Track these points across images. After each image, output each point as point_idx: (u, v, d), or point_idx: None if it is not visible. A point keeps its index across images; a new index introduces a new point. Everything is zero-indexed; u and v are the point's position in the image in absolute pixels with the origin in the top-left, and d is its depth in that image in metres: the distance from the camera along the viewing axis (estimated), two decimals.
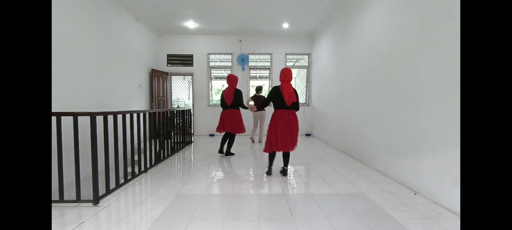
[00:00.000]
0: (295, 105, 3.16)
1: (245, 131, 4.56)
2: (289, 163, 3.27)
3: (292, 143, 3.11)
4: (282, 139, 3.03)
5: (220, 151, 4.54)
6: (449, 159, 2.18)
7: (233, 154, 4.56)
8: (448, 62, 2.19)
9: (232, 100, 4.25)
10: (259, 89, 5.61)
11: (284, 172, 3.20)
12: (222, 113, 4.39)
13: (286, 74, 3.26)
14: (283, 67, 7.33)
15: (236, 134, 4.55)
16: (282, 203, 2.37)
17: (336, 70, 5.17)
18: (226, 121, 4.30)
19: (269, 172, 3.27)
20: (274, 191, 2.69)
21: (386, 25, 3.25)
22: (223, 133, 4.53)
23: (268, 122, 3.27)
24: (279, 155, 3.46)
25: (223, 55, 7.42)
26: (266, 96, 4.76)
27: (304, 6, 5.13)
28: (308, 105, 7.35)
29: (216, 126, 4.46)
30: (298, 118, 3.20)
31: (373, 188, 2.76)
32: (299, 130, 3.28)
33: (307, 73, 7.42)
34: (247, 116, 5.81)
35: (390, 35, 3.14)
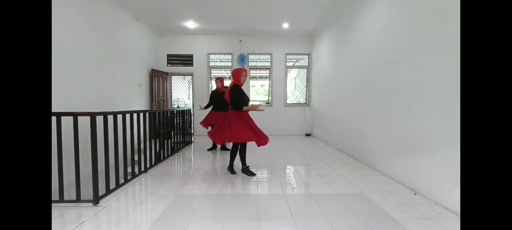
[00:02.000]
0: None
1: None
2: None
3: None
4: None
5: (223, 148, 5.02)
6: (449, 159, 2.18)
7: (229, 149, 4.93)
8: (448, 62, 2.19)
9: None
10: None
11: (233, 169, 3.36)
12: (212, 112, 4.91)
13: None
14: (283, 67, 7.35)
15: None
16: (282, 203, 2.37)
17: (336, 70, 5.17)
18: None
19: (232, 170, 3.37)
20: (274, 191, 2.69)
21: (386, 25, 3.25)
22: None
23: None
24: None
25: (223, 55, 7.42)
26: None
27: (304, 6, 5.13)
28: (308, 105, 7.35)
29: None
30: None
31: (373, 188, 2.76)
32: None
33: (307, 73, 7.42)
34: None
35: (390, 35, 3.14)
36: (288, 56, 7.41)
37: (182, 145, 5.24)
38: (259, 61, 7.47)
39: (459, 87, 2.02)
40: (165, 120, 4.41)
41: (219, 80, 4.85)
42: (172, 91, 7.73)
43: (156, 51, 7.08)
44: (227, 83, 5.70)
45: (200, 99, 7.40)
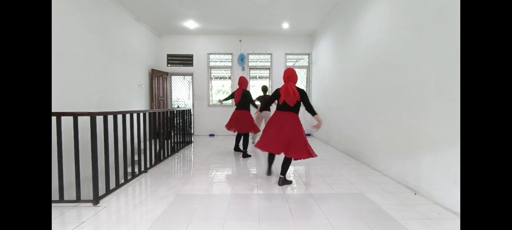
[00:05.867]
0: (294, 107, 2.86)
1: (258, 131, 4.60)
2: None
3: (284, 148, 2.77)
4: (272, 140, 2.79)
5: (236, 148, 4.75)
6: (449, 159, 2.18)
7: (249, 155, 4.43)
8: (448, 62, 2.19)
9: (239, 100, 4.40)
10: (265, 89, 5.62)
11: (278, 180, 2.89)
12: (233, 112, 4.55)
13: (287, 74, 2.91)
14: (283, 67, 7.35)
15: (250, 134, 4.72)
16: (282, 203, 2.37)
17: (336, 70, 5.17)
18: (233, 121, 4.44)
19: (268, 172, 3.30)
20: (274, 191, 2.69)
21: (386, 25, 3.25)
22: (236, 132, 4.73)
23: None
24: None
25: (223, 55, 7.42)
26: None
27: (304, 6, 5.12)
28: None
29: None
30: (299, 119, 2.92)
31: (373, 188, 2.76)
32: None
33: (307, 73, 7.42)
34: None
35: (390, 35, 3.14)
36: (288, 56, 7.41)
37: (182, 145, 5.24)
38: (259, 61, 7.47)
39: (459, 87, 2.02)
40: (165, 120, 4.42)
41: (240, 80, 4.46)
42: (172, 91, 7.73)
43: (156, 51, 7.07)
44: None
45: (200, 99, 7.41)
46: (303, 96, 2.83)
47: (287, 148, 2.74)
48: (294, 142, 2.73)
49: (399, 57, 2.95)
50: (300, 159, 2.75)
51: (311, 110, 2.87)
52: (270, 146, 2.79)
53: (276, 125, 2.82)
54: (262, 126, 5.78)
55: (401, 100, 2.91)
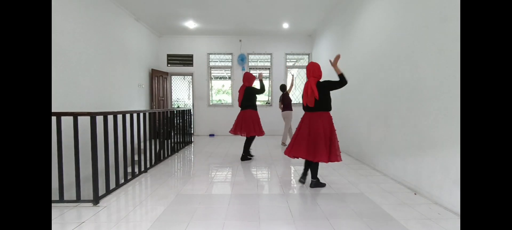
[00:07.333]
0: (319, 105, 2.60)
1: (263, 134, 4.05)
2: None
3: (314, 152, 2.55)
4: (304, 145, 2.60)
5: (247, 157, 4.08)
6: (449, 159, 2.18)
7: (250, 157, 4.17)
8: (448, 62, 2.19)
9: (242, 99, 3.93)
10: (284, 88, 5.50)
11: (311, 183, 2.77)
12: (238, 114, 4.07)
13: (307, 70, 2.72)
14: (283, 67, 7.34)
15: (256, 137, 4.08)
16: (282, 203, 2.37)
17: None
18: (238, 123, 3.91)
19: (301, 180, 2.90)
20: (274, 191, 2.69)
21: (386, 25, 3.25)
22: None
23: (295, 123, 2.81)
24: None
25: (223, 55, 7.42)
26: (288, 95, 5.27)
27: (304, 6, 5.12)
28: None
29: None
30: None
31: (373, 188, 2.76)
32: None
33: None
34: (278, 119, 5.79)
35: (390, 35, 3.14)
36: (288, 56, 7.41)
37: (182, 145, 5.24)
38: (259, 61, 7.47)
39: (459, 87, 2.02)
40: (165, 120, 4.42)
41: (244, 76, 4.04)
42: (172, 91, 7.73)
43: (156, 51, 7.08)
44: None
45: (200, 99, 7.41)
46: (326, 87, 2.63)
47: (313, 151, 2.55)
48: (318, 144, 2.53)
49: (399, 57, 2.95)
50: (320, 161, 2.56)
51: (340, 83, 2.62)
52: (300, 152, 2.60)
53: (304, 129, 2.61)
54: (285, 126, 5.47)
55: (401, 100, 2.91)
